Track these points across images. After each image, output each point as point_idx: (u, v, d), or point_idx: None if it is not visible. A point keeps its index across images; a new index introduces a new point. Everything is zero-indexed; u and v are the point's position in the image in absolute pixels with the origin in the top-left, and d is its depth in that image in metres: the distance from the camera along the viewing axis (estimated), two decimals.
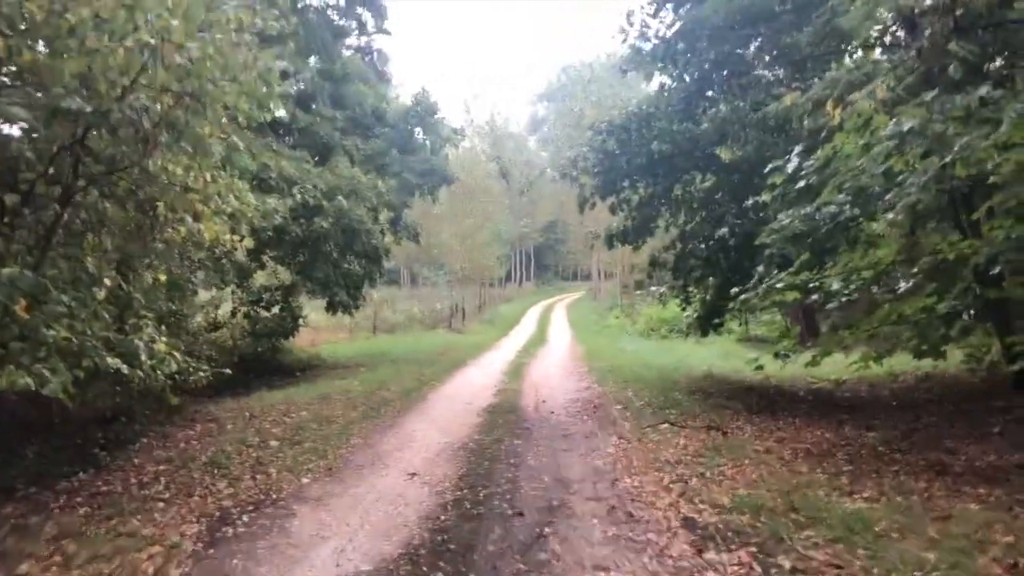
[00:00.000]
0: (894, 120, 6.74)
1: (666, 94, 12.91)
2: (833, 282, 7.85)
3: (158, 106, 7.23)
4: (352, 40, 28.90)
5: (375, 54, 30.18)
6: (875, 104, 7.38)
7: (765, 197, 12.21)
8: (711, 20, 11.44)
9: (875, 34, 9.84)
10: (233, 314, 19.61)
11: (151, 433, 11.43)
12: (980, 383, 12.86)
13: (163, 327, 9.48)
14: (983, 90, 6.48)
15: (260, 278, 20.90)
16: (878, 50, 10.63)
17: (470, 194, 43.50)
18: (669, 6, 12.63)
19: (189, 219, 8.22)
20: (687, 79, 12.41)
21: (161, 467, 9.17)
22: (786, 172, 8.54)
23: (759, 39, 12.58)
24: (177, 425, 12.18)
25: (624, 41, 12.72)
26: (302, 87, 20.52)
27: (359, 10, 21.55)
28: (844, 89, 8.72)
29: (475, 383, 17.35)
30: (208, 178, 8.69)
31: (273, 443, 10.46)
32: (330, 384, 16.92)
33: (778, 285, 8.22)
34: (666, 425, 10.84)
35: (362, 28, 21.90)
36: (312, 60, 20.94)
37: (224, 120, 8.51)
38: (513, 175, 50.96)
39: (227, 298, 20.80)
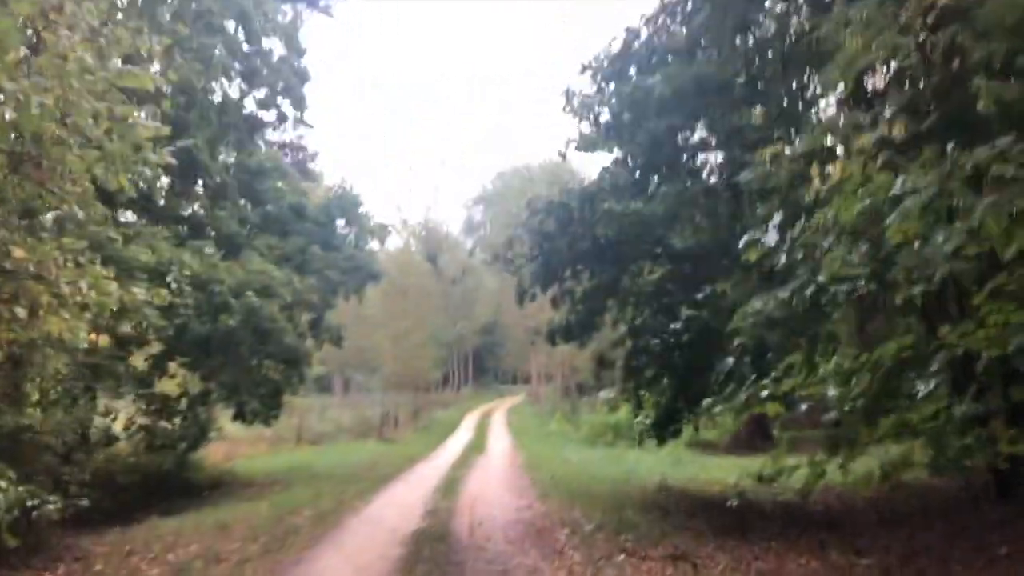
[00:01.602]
0: (902, 179, 5.48)
1: (611, 172, 11.73)
2: (830, 387, 6.37)
3: None
4: (275, 136, 27.78)
5: (300, 152, 29.08)
6: (867, 160, 6.15)
7: (723, 286, 10.97)
8: (659, 91, 10.40)
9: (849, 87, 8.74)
10: (126, 427, 17.31)
11: None
12: (958, 490, 11.57)
13: None
14: (1004, 142, 5.25)
15: (168, 386, 18.78)
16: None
17: (403, 294, 41.91)
18: (612, 82, 11.62)
19: (22, 312, 6.43)
20: (634, 155, 11.26)
21: None
22: (764, 245, 7.19)
23: (709, 116, 11.57)
24: (34, 568, 9.92)
25: (567, 108, 11.57)
26: (215, 180, 19.02)
27: (278, 99, 20.30)
28: (833, 142, 7.55)
29: (403, 502, 15.32)
30: (60, 263, 6.98)
31: None
32: (235, 508, 14.72)
33: (762, 394, 6.70)
34: (623, 556, 9.09)
35: (281, 118, 20.64)
36: (223, 155, 19.50)
37: (75, 190, 6.89)
38: (445, 273, 49.70)
39: (124, 409, 18.59)
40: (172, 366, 18.14)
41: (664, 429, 13.52)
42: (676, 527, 10.89)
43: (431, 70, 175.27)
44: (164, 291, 7.90)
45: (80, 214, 6.78)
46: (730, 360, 8.68)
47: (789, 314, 7.57)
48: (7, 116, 5.73)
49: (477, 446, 31.44)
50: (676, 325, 11.95)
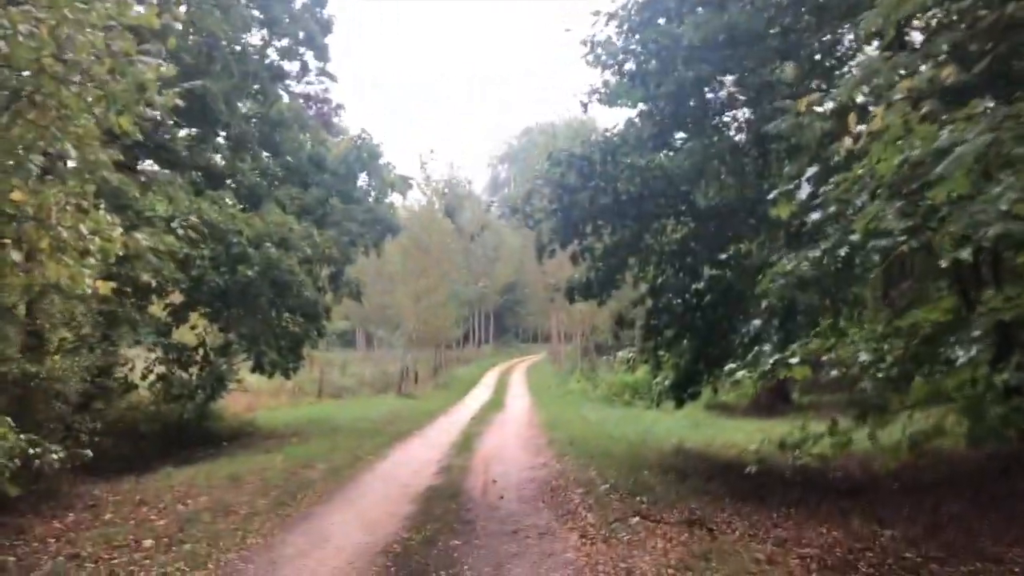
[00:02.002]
0: (948, 130, 5.06)
1: (635, 124, 11.24)
2: (861, 352, 5.99)
3: None
4: (299, 88, 27.40)
5: (324, 105, 28.69)
6: (909, 109, 5.69)
7: (749, 245, 10.59)
8: (687, 39, 9.88)
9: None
10: (144, 376, 17.30)
11: (3, 527, 9.15)
12: (985, 460, 11.20)
13: None
14: None
15: (186, 336, 18.73)
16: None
17: (425, 252, 41.63)
18: (637, 32, 11.07)
19: (18, 256, 6.20)
20: (659, 108, 10.77)
21: None
22: (797, 199, 6.78)
23: (739, 69, 11.03)
24: (42, 515, 9.90)
25: (589, 57, 11.06)
26: (235, 130, 18.72)
27: (301, 49, 19.88)
28: (872, 89, 7.08)
29: (418, 458, 15.24)
30: (61, 207, 6.74)
31: (147, 543, 8.29)
32: (250, 460, 14.68)
33: (792, 360, 6.32)
34: (637, 519, 8.86)
35: (304, 69, 20.23)
36: (244, 105, 19.17)
37: (75, 131, 6.63)
38: (466, 229, 49.11)
39: (142, 358, 18.59)
40: (193, 317, 18.11)
41: (683, 391, 13.20)
42: (693, 490, 10.65)
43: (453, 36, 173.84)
44: (170, 238, 7.63)
45: (75, 155, 6.48)
46: (757, 322, 8.31)
47: (820, 274, 7.18)
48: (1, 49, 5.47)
49: (496, 403, 31.39)
50: (698, 285, 11.58)
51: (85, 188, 7.60)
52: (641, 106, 11.90)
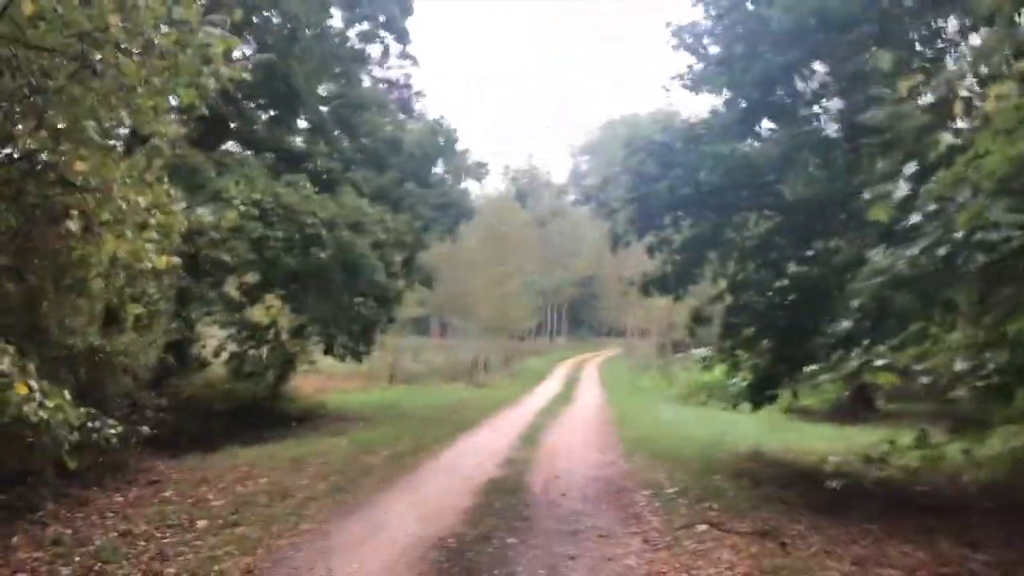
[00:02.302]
0: None
1: (721, 110, 10.59)
2: (957, 360, 5.37)
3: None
4: (381, 73, 27.46)
5: (405, 90, 28.68)
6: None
7: (838, 242, 9.93)
8: (776, 23, 9.25)
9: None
10: (216, 353, 17.50)
11: (67, 498, 9.26)
12: None
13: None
14: None
15: (259, 315, 18.93)
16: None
17: (501, 240, 41.44)
18: (725, 17, 10.46)
19: (75, 227, 6.12)
20: (745, 95, 10.13)
21: (36, 555, 6.98)
22: (893, 200, 6.16)
23: (831, 56, 10.31)
24: (107, 488, 10.02)
25: (674, 42, 10.52)
26: (315, 113, 18.79)
27: (381, 32, 19.80)
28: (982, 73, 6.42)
29: (482, 449, 14.97)
30: (123, 180, 6.67)
31: (201, 523, 8.23)
32: (315, 442, 14.70)
33: (877, 363, 5.72)
34: (705, 526, 8.35)
35: (385, 52, 20.17)
36: (322, 88, 19.22)
37: (139, 103, 6.52)
38: (539, 215, 48.66)
39: (215, 336, 18.90)
40: (268, 298, 18.30)
41: (761, 393, 12.54)
42: (766, 499, 10.05)
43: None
44: (233, 214, 7.49)
45: (128, 124, 6.38)
46: (846, 323, 7.67)
47: (918, 274, 6.55)
48: (59, 9, 5.34)
49: (565, 397, 30.98)
50: (782, 282, 10.93)
51: (152, 162, 7.52)
52: (726, 93, 11.29)
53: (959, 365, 5.31)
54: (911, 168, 6.53)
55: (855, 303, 7.79)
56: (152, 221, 6.93)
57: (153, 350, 20.39)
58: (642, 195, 10.51)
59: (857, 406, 24.50)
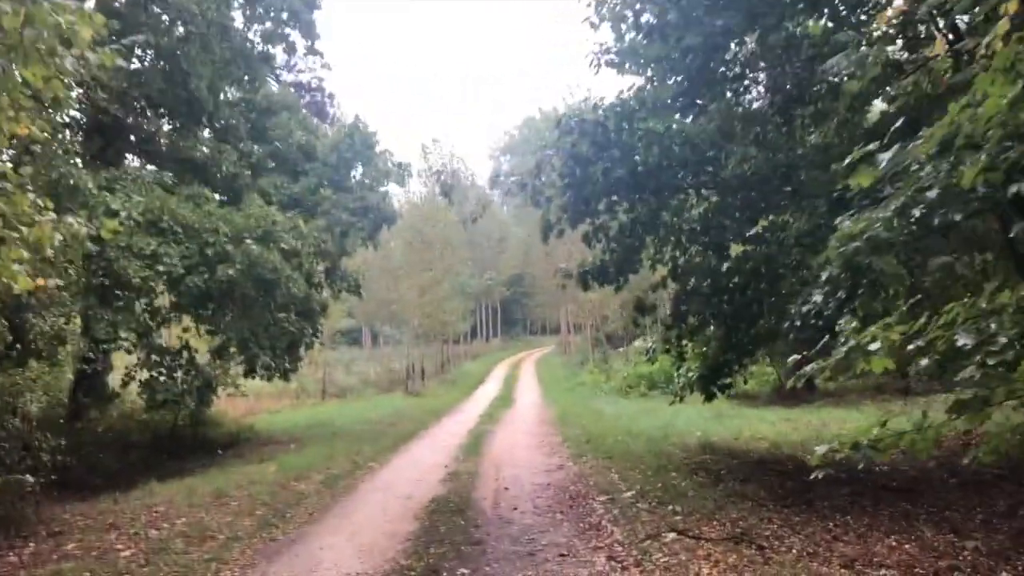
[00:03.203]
0: None
1: (655, 83, 9.89)
2: (960, 335, 4.73)
3: None
4: (291, 77, 26.26)
5: (318, 93, 27.52)
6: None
7: (784, 216, 9.40)
8: None
9: None
10: (125, 383, 16.16)
11: None
12: None
13: None
14: None
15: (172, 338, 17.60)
16: None
17: (428, 245, 40.43)
18: None
19: None
20: (679, 67, 9.45)
21: None
22: (876, 165, 5.50)
23: (762, 24, 9.72)
24: None
25: (601, 11, 9.78)
26: (219, 120, 17.55)
27: (286, 29, 18.64)
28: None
29: (423, 463, 14.07)
30: None
31: None
32: (241, 471, 13.55)
33: (872, 346, 5.06)
34: (673, 535, 7.64)
35: (290, 50, 19.00)
36: (230, 91, 17.99)
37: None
38: (465, 209, 47.51)
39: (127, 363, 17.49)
40: (184, 320, 17.02)
41: (711, 383, 12.00)
42: (729, 495, 9.42)
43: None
44: (113, 222, 6.44)
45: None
46: (816, 298, 7.06)
47: (897, 238, 5.95)
48: None
49: (505, 399, 30.25)
50: (727, 264, 10.35)
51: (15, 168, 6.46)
52: (653, 69, 10.60)
53: (961, 340, 4.69)
54: (899, 122, 5.88)
55: (824, 275, 7.19)
56: (14, 235, 5.85)
57: (56, 383, 18.90)
58: (576, 180, 9.76)
59: (795, 387, 24.37)
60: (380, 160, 20.37)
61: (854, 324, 5.78)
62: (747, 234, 10.14)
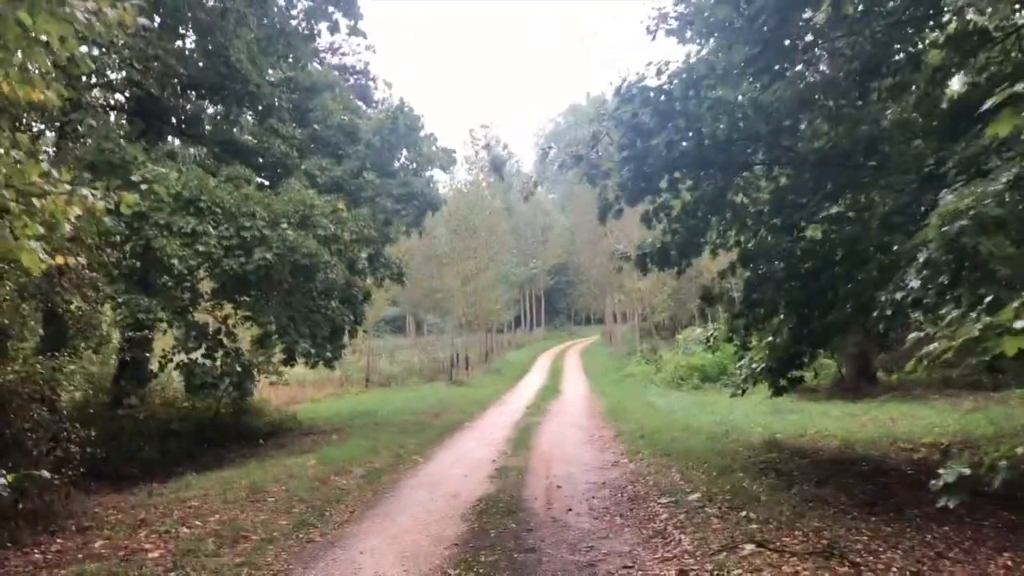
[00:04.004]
0: None
1: (725, 48, 8.89)
2: None
3: None
4: (335, 59, 25.72)
5: (362, 76, 26.97)
6: None
7: (873, 193, 8.47)
8: None
9: None
10: (162, 366, 15.72)
11: None
12: None
13: None
14: None
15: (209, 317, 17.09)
16: None
17: (472, 232, 39.75)
18: None
19: None
20: (759, 20, 8.47)
21: None
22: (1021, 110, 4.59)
23: None
24: (23, 544, 8.27)
25: None
26: (262, 99, 17.01)
27: (330, 9, 18.00)
28: None
29: (469, 457, 13.41)
30: None
31: None
32: (280, 463, 12.99)
33: (1018, 324, 4.16)
34: (750, 546, 6.81)
35: (333, 29, 18.34)
36: (268, 74, 17.43)
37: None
38: (514, 191, 46.59)
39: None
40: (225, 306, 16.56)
41: (782, 376, 11.08)
42: (807, 500, 8.55)
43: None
44: (133, 196, 5.81)
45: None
46: (913, 283, 6.17)
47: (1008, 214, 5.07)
48: None
49: (551, 389, 29.51)
50: (804, 247, 9.45)
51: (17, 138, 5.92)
52: (721, 34, 9.67)
53: None
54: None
55: (921, 257, 6.30)
56: (30, 209, 5.26)
57: (101, 370, 18.65)
58: (637, 152, 8.90)
59: (859, 380, 23.25)
60: (425, 144, 19.62)
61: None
62: (825, 214, 9.20)
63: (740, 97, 8.93)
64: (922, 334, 5.28)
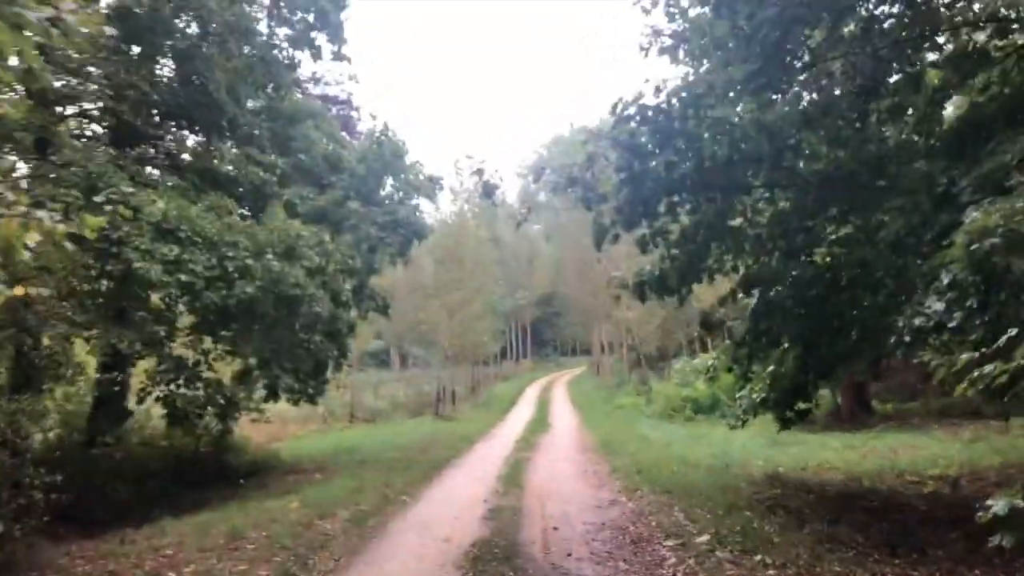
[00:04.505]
0: None
1: (725, 64, 8.48)
2: None
3: None
4: (317, 90, 25.42)
5: (345, 106, 26.67)
6: None
7: (885, 213, 8.10)
8: None
9: None
10: (140, 399, 15.02)
11: None
12: None
13: None
14: None
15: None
16: None
17: (459, 263, 39.24)
18: None
19: None
20: (757, 39, 8.06)
21: None
22: None
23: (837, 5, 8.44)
24: None
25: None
26: (240, 127, 16.56)
27: (312, 34, 17.64)
28: None
29: (459, 496, 12.80)
30: None
31: None
32: (261, 505, 12.31)
33: None
34: None
35: (316, 56, 17.98)
36: (249, 102, 17.03)
37: None
38: (505, 240, 46.41)
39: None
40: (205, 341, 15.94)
41: (788, 408, 10.60)
42: (822, 541, 8.03)
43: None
44: (98, 219, 5.29)
45: None
46: (937, 305, 5.75)
47: None
48: None
49: (541, 422, 28.90)
50: (810, 272, 9.04)
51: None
52: (719, 52, 9.30)
53: None
54: None
55: (945, 279, 5.88)
56: None
57: (78, 408, 17.93)
58: (635, 174, 8.46)
59: (855, 410, 22.85)
60: (410, 171, 19.18)
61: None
62: (834, 237, 8.80)
63: (739, 117, 8.53)
64: (975, 355, 4.84)
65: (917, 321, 6.19)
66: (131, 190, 12.59)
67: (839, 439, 19.06)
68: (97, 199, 11.25)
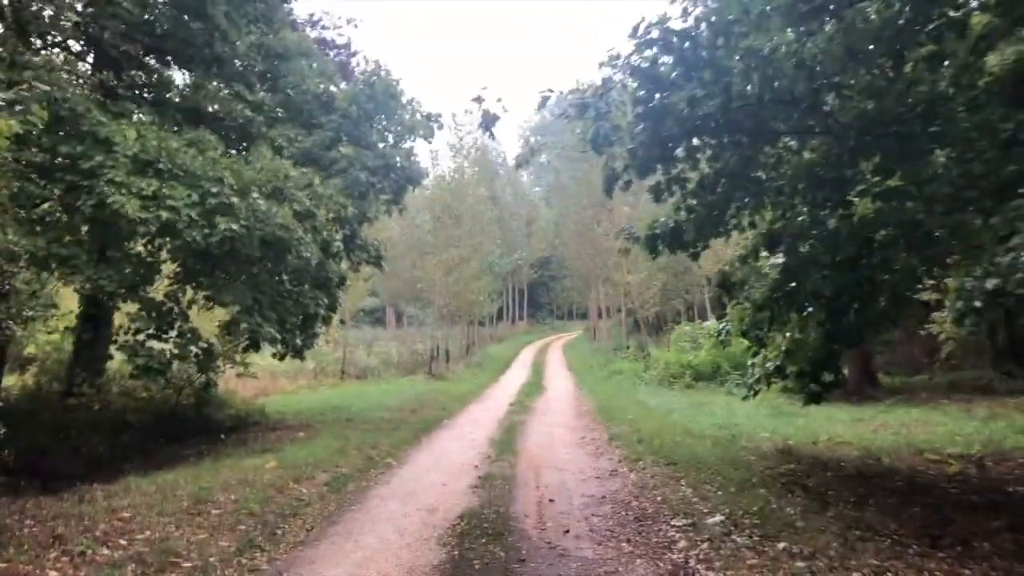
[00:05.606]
0: None
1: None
2: None
3: None
4: (314, 33, 24.29)
5: (341, 50, 25.53)
6: None
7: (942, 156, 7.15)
8: None
9: None
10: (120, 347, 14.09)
11: None
12: None
13: None
14: None
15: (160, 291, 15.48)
16: None
17: (456, 220, 38.18)
18: None
19: None
20: None
21: None
22: None
23: None
24: None
25: None
26: (234, 63, 15.46)
27: None
28: None
29: (448, 461, 11.98)
30: None
31: None
32: (236, 464, 11.49)
33: None
34: None
35: None
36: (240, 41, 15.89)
37: None
38: (504, 201, 45.30)
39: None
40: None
41: (814, 380, 9.70)
42: (850, 527, 7.17)
43: None
44: (11, 122, 4.34)
45: None
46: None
47: None
48: None
49: (536, 385, 28.10)
50: (848, 228, 8.08)
51: None
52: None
53: None
54: None
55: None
56: None
57: (57, 355, 17.06)
58: (655, 109, 7.42)
59: (861, 383, 22.04)
60: (405, 112, 17.99)
61: None
62: (879, 189, 7.81)
63: (774, 51, 7.47)
64: None
65: (990, 283, 5.25)
66: (103, 119, 11.62)
67: (846, 412, 18.29)
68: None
